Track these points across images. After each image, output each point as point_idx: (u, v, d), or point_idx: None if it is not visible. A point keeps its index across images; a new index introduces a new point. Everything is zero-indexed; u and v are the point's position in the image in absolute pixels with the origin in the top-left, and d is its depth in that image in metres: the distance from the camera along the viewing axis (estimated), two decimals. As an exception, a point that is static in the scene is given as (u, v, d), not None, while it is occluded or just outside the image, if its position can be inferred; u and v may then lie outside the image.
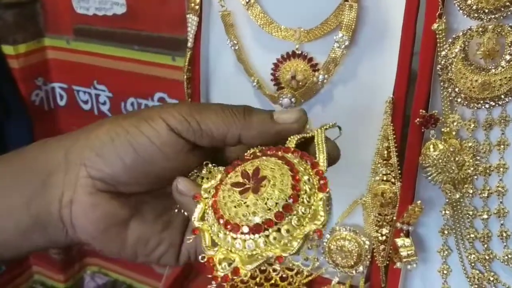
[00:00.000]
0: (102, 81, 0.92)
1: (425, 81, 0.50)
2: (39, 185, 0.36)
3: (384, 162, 0.55)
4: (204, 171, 0.38)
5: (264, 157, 0.34)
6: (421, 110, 0.50)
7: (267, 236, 0.31)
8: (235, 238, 0.31)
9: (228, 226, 0.31)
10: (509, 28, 0.46)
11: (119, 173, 0.35)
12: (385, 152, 0.55)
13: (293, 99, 0.58)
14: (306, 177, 0.32)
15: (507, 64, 0.47)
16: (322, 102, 0.59)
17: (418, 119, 0.50)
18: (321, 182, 0.33)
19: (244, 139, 0.37)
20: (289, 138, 0.36)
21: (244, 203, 0.31)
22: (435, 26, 0.48)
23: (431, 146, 0.49)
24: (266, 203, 0.31)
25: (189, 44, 0.62)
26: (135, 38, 0.84)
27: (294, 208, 0.31)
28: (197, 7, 0.61)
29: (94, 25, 0.87)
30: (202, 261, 0.32)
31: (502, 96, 0.48)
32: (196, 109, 0.36)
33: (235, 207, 0.32)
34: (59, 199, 0.36)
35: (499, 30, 0.46)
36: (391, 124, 0.54)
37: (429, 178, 0.50)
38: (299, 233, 0.31)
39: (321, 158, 0.34)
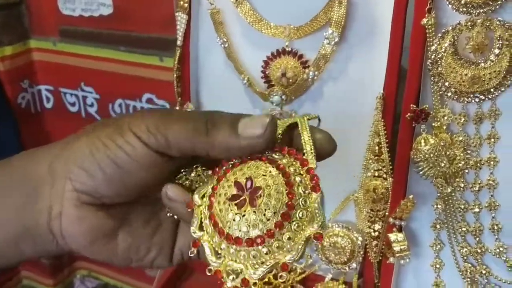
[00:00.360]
0: (89, 82, 0.91)
1: (415, 76, 0.50)
2: (26, 197, 0.37)
3: (376, 158, 0.55)
4: (193, 174, 0.38)
5: (253, 162, 0.34)
6: (411, 105, 0.50)
7: (270, 245, 0.31)
8: (239, 250, 0.32)
9: (231, 240, 0.32)
10: (497, 22, 0.46)
11: (102, 185, 0.36)
12: (376, 148, 0.55)
13: (283, 96, 0.58)
14: (298, 178, 0.33)
15: (496, 57, 0.47)
16: (313, 99, 0.59)
17: (409, 113, 0.50)
18: (313, 181, 0.33)
19: (211, 155, 0.36)
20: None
21: (243, 216, 0.32)
22: (424, 21, 0.48)
23: (422, 141, 0.49)
24: (264, 214, 0.31)
25: (179, 43, 0.62)
26: (122, 39, 0.83)
27: (292, 214, 0.31)
28: (186, 5, 0.60)
29: (80, 26, 0.86)
30: (209, 274, 0.33)
31: (492, 90, 0.48)
32: (163, 123, 0.35)
33: (234, 220, 0.32)
34: (48, 212, 0.36)
35: (487, 24, 0.46)
36: (382, 120, 0.54)
37: (421, 172, 0.50)
38: (300, 237, 0.31)
39: (310, 155, 0.34)
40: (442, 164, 0.49)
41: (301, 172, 0.33)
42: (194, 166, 0.38)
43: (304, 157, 0.34)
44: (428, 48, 0.49)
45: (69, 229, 0.36)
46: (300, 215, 0.31)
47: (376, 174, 0.56)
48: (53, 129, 0.98)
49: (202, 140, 0.35)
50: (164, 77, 0.79)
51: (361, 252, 0.59)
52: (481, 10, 0.46)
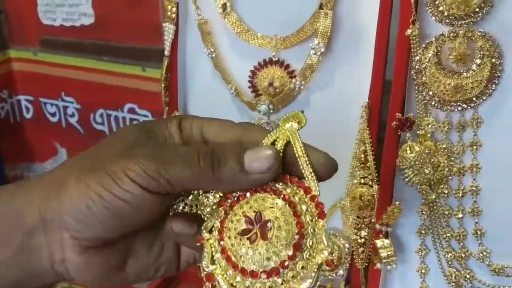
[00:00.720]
0: (70, 92, 0.90)
1: (400, 85, 0.52)
2: (20, 245, 0.35)
3: (361, 165, 0.56)
4: (190, 198, 0.38)
5: (258, 194, 0.34)
6: (397, 114, 0.51)
7: (285, 275, 0.32)
8: (254, 283, 0.32)
9: (246, 274, 0.32)
10: (478, 33, 0.48)
11: (101, 232, 0.35)
12: (362, 155, 0.56)
13: (271, 106, 0.59)
14: (304, 207, 0.33)
15: (477, 67, 0.49)
16: (300, 108, 0.60)
17: (394, 122, 0.51)
18: (319, 208, 0.33)
19: (217, 190, 0.36)
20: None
21: (256, 250, 0.32)
22: (409, 32, 0.49)
23: (408, 148, 0.51)
24: (276, 247, 0.32)
25: (166, 53, 0.62)
26: (104, 49, 0.83)
27: (303, 243, 0.32)
28: (173, 15, 0.61)
29: (61, 36, 0.86)
30: None
31: (474, 99, 0.50)
32: (162, 165, 0.34)
33: (247, 254, 0.32)
34: (50, 259, 0.35)
35: (469, 35, 0.48)
36: (367, 128, 0.55)
37: (406, 179, 0.51)
38: (312, 265, 0.32)
39: (312, 182, 0.34)
40: (427, 171, 0.51)
41: (306, 200, 0.33)
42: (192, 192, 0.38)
43: (306, 184, 0.34)
44: (413, 58, 0.50)
45: (75, 272, 0.36)
46: (310, 244, 0.32)
47: (362, 181, 0.57)
48: (33, 140, 0.97)
49: (209, 180, 0.34)
50: (146, 87, 0.79)
51: (348, 259, 0.59)
52: (463, 22, 0.48)
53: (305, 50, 0.57)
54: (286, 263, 0.32)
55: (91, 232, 0.35)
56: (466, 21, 0.48)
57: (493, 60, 0.48)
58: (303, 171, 0.34)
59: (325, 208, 0.34)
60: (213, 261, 0.34)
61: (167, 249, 0.39)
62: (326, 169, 0.35)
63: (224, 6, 0.59)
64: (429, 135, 0.52)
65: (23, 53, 0.91)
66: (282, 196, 0.34)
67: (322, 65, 0.57)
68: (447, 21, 0.48)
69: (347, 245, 0.59)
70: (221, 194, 0.37)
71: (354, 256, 0.59)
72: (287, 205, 0.33)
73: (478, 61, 0.49)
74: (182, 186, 0.35)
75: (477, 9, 0.47)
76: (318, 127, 0.58)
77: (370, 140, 0.55)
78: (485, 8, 0.47)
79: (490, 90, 0.50)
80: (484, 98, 0.50)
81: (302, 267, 0.32)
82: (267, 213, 0.33)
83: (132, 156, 0.34)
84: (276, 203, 0.33)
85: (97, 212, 0.34)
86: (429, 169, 0.51)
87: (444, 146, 0.52)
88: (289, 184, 0.35)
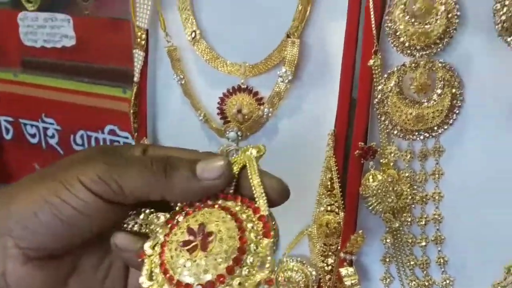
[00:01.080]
0: (50, 114, 0.90)
1: (363, 114, 0.52)
2: None
3: (328, 193, 0.57)
4: (141, 217, 0.37)
5: (206, 209, 0.35)
6: (360, 143, 0.52)
7: None
8: None
9: (181, 287, 0.32)
10: (439, 64, 0.49)
11: (48, 242, 0.35)
12: (329, 183, 0.56)
13: (239, 133, 0.59)
14: (250, 225, 0.33)
15: (438, 97, 0.49)
16: (268, 135, 0.60)
17: (357, 151, 0.52)
18: (265, 228, 0.33)
19: (168, 198, 0.36)
20: None
21: (194, 261, 0.32)
22: (371, 62, 0.50)
23: (371, 177, 0.51)
24: (215, 259, 0.32)
25: (135, 79, 0.63)
26: (85, 71, 0.83)
27: (243, 259, 0.32)
28: (143, 42, 0.61)
29: (42, 57, 0.87)
30: None
31: (435, 128, 0.50)
32: (115, 169, 0.34)
33: (185, 266, 0.32)
34: None
35: (430, 66, 0.49)
36: (334, 156, 0.56)
37: (370, 208, 0.51)
38: (250, 283, 0.31)
39: (262, 203, 0.34)
40: (390, 200, 0.51)
41: (254, 219, 0.34)
42: (142, 210, 0.38)
43: (256, 205, 0.34)
44: (375, 88, 0.51)
45: (17, 286, 0.35)
46: (251, 260, 0.32)
47: (329, 208, 0.57)
48: (13, 161, 0.97)
49: (161, 185, 0.34)
50: (127, 109, 0.79)
51: (315, 287, 0.59)
52: (424, 53, 0.49)
53: (273, 77, 0.57)
54: (223, 278, 0.31)
55: (38, 241, 0.34)
56: (427, 52, 0.48)
57: (454, 90, 0.49)
58: (254, 191, 0.35)
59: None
60: (151, 277, 0.34)
61: (114, 271, 0.39)
62: (278, 193, 0.35)
63: (193, 34, 0.59)
64: (392, 163, 0.52)
65: (3, 74, 0.92)
66: (229, 211, 0.34)
67: (290, 93, 0.58)
68: (408, 51, 0.49)
69: (314, 273, 0.59)
70: (177, 207, 0.37)
71: (321, 284, 0.59)
72: (233, 221, 0.33)
73: (439, 91, 0.49)
74: (133, 193, 0.34)
75: (437, 41, 0.48)
76: (286, 154, 0.59)
77: (336, 167, 0.56)
78: (445, 39, 0.48)
79: (451, 120, 0.50)
80: (445, 127, 0.50)
81: (240, 283, 0.31)
82: (211, 226, 0.33)
83: (86, 163, 0.34)
84: (222, 217, 0.33)
85: (44, 219, 0.33)
86: (392, 197, 0.51)
87: (407, 174, 0.52)
88: (239, 203, 0.35)
